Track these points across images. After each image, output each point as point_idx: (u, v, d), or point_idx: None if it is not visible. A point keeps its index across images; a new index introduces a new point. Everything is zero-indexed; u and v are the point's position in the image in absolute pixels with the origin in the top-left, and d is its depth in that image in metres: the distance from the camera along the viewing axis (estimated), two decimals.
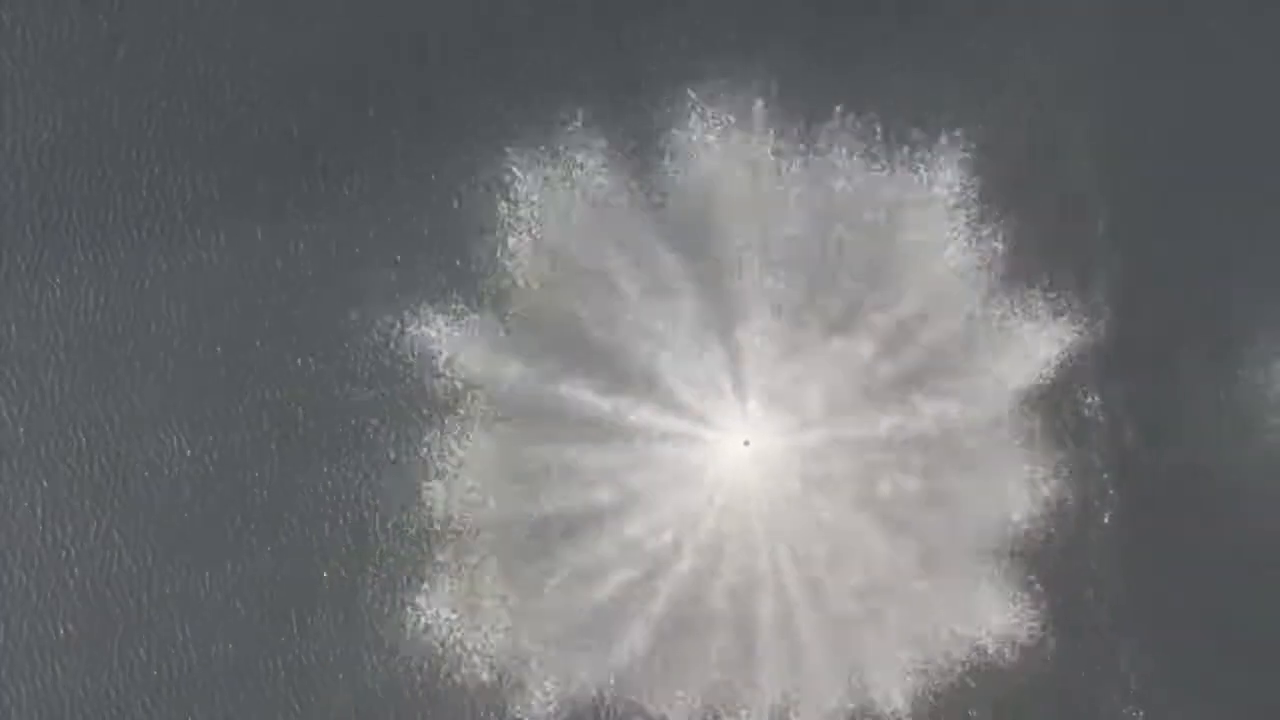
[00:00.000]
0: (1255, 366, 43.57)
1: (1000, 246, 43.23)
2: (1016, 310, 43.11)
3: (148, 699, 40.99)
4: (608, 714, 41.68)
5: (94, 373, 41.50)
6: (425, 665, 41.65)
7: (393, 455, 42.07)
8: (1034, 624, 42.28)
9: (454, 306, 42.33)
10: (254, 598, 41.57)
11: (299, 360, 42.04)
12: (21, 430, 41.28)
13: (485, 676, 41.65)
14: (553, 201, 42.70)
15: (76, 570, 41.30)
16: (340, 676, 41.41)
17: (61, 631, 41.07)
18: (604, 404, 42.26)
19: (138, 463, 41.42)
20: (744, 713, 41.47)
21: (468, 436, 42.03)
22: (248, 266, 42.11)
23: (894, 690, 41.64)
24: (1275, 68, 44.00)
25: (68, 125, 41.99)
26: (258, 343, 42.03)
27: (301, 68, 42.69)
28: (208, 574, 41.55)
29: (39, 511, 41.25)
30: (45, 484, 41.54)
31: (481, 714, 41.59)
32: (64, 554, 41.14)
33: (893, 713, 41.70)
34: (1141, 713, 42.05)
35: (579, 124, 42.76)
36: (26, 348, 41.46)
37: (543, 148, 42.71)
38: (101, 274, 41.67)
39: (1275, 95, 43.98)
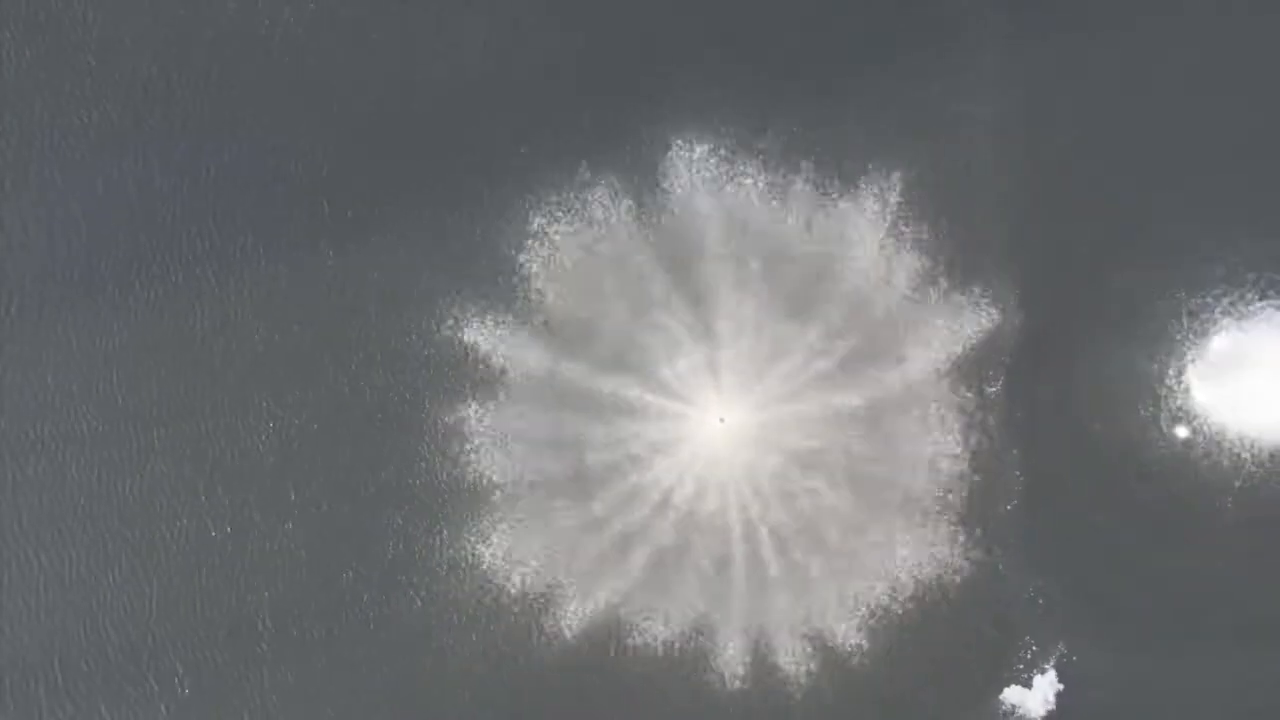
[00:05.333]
0: (1142, 353, 47.83)
1: (924, 254, 47.75)
2: (938, 306, 47.69)
3: (244, 628, 45.71)
4: (618, 626, 46.89)
5: (192, 369, 46.63)
6: (478, 589, 46.82)
7: (439, 424, 46.90)
8: (955, 565, 47.05)
9: (491, 311, 47.32)
10: (333, 542, 46.30)
11: (363, 354, 46.82)
12: (138, 409, 45.95)
13: (525, 597, 46.89)
14: (570, 228, 47.62)
15: (185, 522, 45.95)
16: (410, 598, 46.29)
17: (164, 575, 45.73)
18: (608, 387, 47.54)
19: (245, 437, 46.66)
20: (724, 629, 46.69)
21: (500, 410, 47.30)
22: (324, 283, 46.94)
23: (838, 611, 46.84)
24: (1156, 112, 48.08)
25: (159, 174, 46.39)
26: (333, 343, 46.89)
27: (373, 124, 47.56)
28: (293, 525, 46.32)
29: (141, 479, 45.94)
30: (154, 454, 46.19)
31: (524, 624, 46.71)
32: (171, 515, 45.96)
33: (837, 629, 46.74)
34: (1035, 646, 47.08)
35: (592, 167, 47.55)
36: (133, 352, 46.39)
37: (563, 186, 47.44)
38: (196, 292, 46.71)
39: (1156, 141, 48.10)
